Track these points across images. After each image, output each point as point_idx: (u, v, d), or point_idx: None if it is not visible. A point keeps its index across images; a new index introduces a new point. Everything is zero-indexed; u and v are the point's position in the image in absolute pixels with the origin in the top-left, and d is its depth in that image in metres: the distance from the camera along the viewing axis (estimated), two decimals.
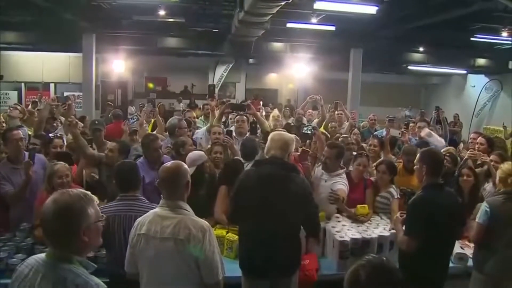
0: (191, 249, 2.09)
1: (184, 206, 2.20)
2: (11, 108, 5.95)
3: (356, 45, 11.11)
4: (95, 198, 1.56)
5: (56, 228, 1.45)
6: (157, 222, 2.17)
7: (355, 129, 6.24)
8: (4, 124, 5.04)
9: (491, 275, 2.88)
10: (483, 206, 2.96)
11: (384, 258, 1.34)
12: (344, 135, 4.93)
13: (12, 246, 2.87)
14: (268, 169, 2.58)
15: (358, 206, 3.49)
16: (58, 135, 4.29)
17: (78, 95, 11.09)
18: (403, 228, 2.73)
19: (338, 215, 3.53)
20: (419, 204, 2.62)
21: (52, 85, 13.40)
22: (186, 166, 2.30)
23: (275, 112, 6.50)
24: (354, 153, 4.35)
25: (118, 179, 2.69)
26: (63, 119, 5.38)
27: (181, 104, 14.02)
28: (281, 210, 2.51)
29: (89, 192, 1.55)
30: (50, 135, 4.24)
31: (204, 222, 2.18)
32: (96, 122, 4.86)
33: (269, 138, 2.74)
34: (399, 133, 4.88)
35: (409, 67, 13.07)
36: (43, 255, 1.54)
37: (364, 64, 11.28)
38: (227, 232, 3.19)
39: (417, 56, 12.35)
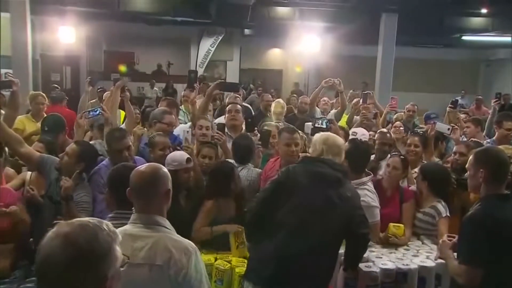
0: (171, 278, 2.10)
1: (163, 222, 2.23)
2: None
3: (389, 8, 11.06)
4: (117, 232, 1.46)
5: (71, 281, 1.30)
6: (127, 244, 2.12)
7: (397, 122, 6.16)
8: None
9: None
10: None
11: None
12: (382, 130, 4.89)
13: None
14: (324, 169, 2.84)
15: (391, 224, 3.48)
16: None
17: (6, 73, 10.86)
18: (456, 255, 2.71)
19: None
20: (480, 220, 2.59)
21: None
22: (165, 169, 2.33)
23: (279, 102, 6.42)
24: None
25: (114, 189, 2.66)
26: None
27: (154, 89, 14.00)
28: (331, 216, 2.73)
29: (109, 223, 1.45)
30: None
31: (188, 243, 2.20)
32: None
33: (319, 140, 2.99)
34: (449, 129, 4.82)
35: (464, 37, 12.99)
36: None
37: (400, 35, 11.24)
38: (216, 259, 3.19)
39: (476, 21, 12.24)
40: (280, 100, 6.75)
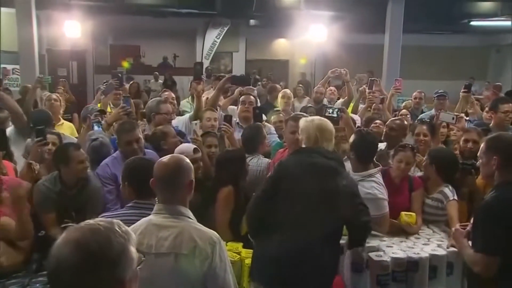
0: (197, 267, 2.14)
1: (186, 212, 2.28)
2: None
3: None
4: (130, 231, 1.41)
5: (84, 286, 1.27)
6: (152, 233, 2.20)
7: (404, 110, 6.14)
8: None
9: None
10: None
11: None
12: (393, 119, 4.86)
13: None
14: (318, 159, 2.84)
15: (403, 213, 3.45)
16: None
17: (13, 69, 10.88)
18: (470, 243, 2.68)
19: None
20: (495, 207, 2.56)
21: None
22: (188, 161, 2.36)
23: (286, 91, 6.43)
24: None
25: (132, 181, 2.74)
26: None
27: (159, 81, 14.00)
28: (329, 206, 2.72)
29: (121, 223, 1.40)
30: None
31: (212, 233, 2.25)
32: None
33: (311, 127, 2.97)
34: (453, 118, 4.76)
35: (472, 23, 12.83)
36: None
37: (407, 22, 11.16)
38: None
39: (484, 5, 12.09)
40: (287, 90, 6.75)
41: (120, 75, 5.38)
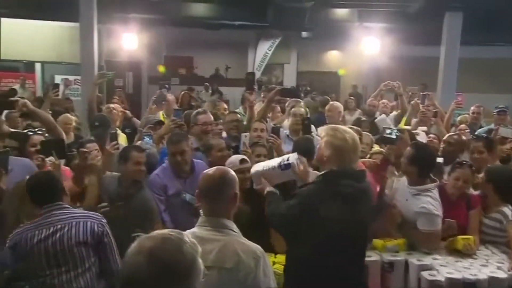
0: (240, 282, 2.14)
1: (230, 225, 2.28)
2: None
3: (454, 7, 10.70)
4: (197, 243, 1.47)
5: None
6: None
7: (462, 125, 5.96)
8: None
9: None
10: None
11: None
12: (451, 134, 4.72)
13: None
14: (348, 188, 2.59)
15: (459, 237, 3.33)
16: (38, 131, 4.18)
17: (75, 80, 11.42)
18: None
19: None
20: None
21: (38, 66, 13.77)
22: (233, 173, 2.37)
23: (332, 103, 6.34)
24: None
25: (32, 195, 2.81)
26: None
27: (210, 91, 14.25)
28: (362, 228, 2.68)
29: (189, 234, 1.46)
30: (27, 131, 4.22)
31: (256, 247, 2.24)
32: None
33: (346, 148, 2.62)
34: None
35: None
36: None
37: (465, 34, 10.87)
38: (273, 263, 3.14)
39: None
40: (334, 102, 6.65)
41: (166, 86, 5.52)
